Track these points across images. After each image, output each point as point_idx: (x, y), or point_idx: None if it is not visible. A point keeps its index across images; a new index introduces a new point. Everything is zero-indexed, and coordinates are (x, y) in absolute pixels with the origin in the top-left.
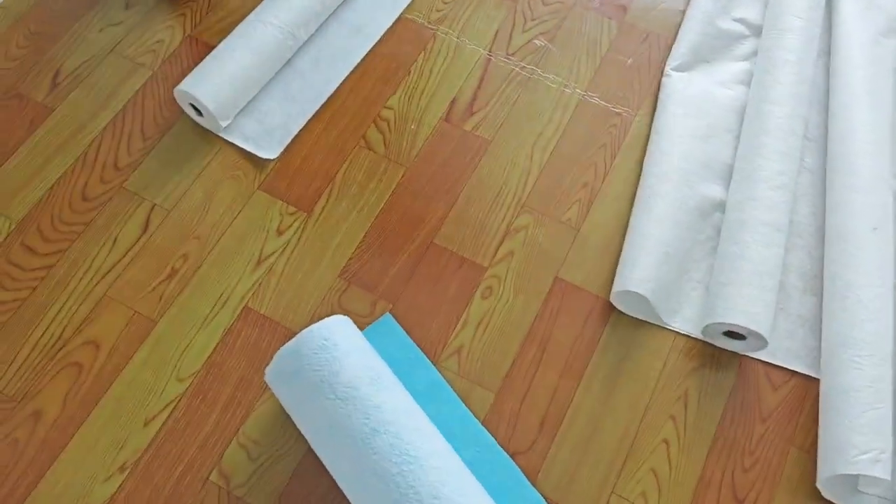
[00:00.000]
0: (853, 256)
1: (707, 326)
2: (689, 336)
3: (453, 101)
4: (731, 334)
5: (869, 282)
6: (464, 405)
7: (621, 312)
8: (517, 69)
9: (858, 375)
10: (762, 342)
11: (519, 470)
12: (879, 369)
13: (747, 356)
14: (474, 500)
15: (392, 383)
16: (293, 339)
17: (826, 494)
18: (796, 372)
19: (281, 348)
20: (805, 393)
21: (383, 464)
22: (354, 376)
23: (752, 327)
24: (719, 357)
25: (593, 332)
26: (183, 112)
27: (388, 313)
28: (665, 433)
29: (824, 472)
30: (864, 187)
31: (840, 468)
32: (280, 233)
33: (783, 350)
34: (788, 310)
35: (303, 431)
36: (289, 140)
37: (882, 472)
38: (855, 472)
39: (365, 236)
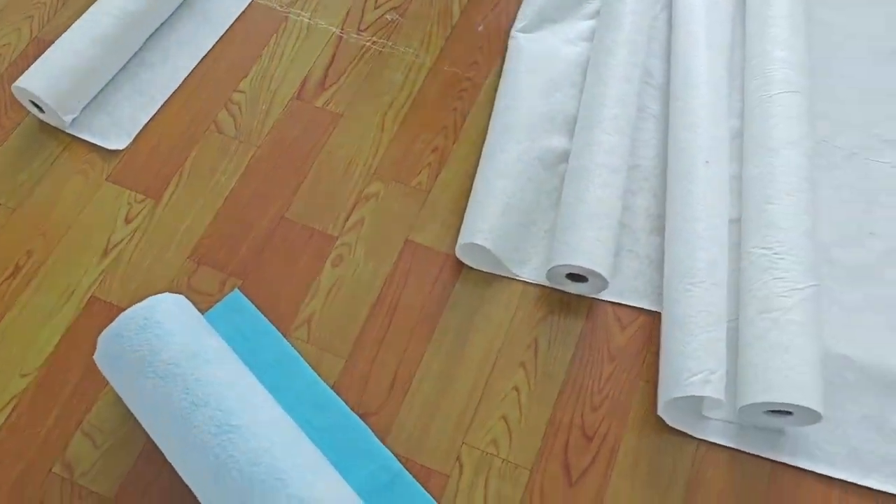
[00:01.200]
0: (689, 192)
1: (549, 271)
2: (539, 285)
3: (305, 80)
4: (575, 277)
5: (703, 214)
6: (313, 372)
7: (471, 268)
8: (369, 44)
9: (691, 302)
10: (603, 282)
11: (369, 430)
12: (712, 295)
13: (597, 299)
14: (301, 464)
15: (220, 357)
16: (114, 321)
17: (671, 423)
18: (644, 310)
19: (103, 331)
20: (652, 329)
21: (203, 437)
22: (176, 353)
23: (588, 266)
24: (569, 303)
25: (443, 290)
26: (29, 112)
27: (236, 289)
28: (515, 381)
29: (661, 398)
30: (701, 126)
31: (673, 392)
32: (128, 221)
33: (631, 290)
34: (636, 251)
35: (135, 415)
36: (137, 130)
37: (713, 391)
38: (686, 395)
39: (215, 217)
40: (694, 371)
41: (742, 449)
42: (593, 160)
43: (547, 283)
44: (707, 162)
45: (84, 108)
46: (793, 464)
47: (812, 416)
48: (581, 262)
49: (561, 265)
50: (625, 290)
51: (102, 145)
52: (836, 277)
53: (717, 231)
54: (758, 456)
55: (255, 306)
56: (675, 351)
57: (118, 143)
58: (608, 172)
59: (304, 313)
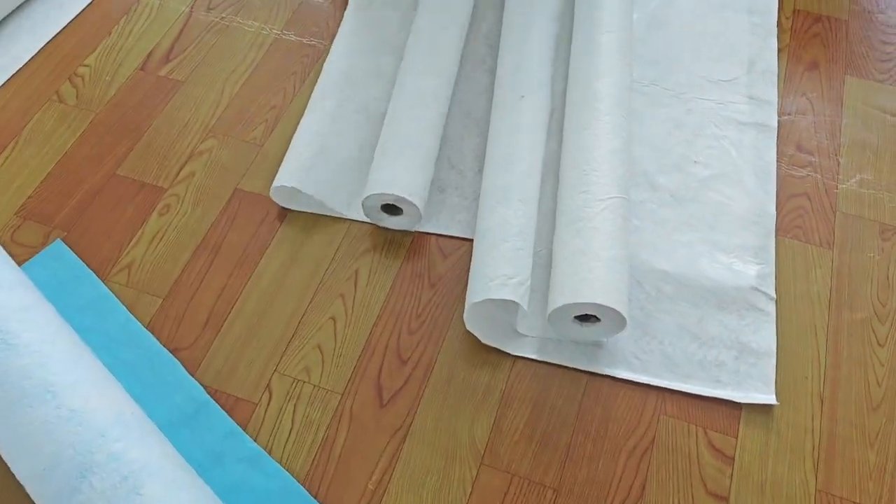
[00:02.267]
0: (503, 122)
1: (364, 206)
2: (364, 223)
3: (150, 53)
4: (390, 209)
5: (514, 141)
6: (128, 312)
7: (299, 212)
8: (217, 20)
9: (496, 217)
10: (415, 210)
11: (177, 363)
12: (517, 210)
13: (422, 233)
14: (77, 380)
15: (12, 286)
16: None
17: (484, 339)
18: (467, 240)
19: None
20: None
21: None
22: None
23: (396, 192)
24: (393, 237)
25: (268, 232)
26: None
27: (58, 240)
28: (333, 311)
29: (466, 308)
30: (522, 67)
31: (472, 298)
32: None
33: (454, 223)
34: (463, 188)
35: None
36: None
37: (510, 295)
38: (482, 298)
39: (47, 177)
40: (491, 277)
41: (559, 363)
42: (405, 101)
43: (371, 222)
44: (522, 97)
45: None
46: (611, 374)
47: (618, 319)
48: (387, 189)
49: (371, 195)
50: (450, 223)
51: None
52: (659, 200)
53: (529, 155)
54: (576, 369)
55: (78, 256)
56: (478, 262)
57: None
58: (420, 110)
59: (126, 260)
